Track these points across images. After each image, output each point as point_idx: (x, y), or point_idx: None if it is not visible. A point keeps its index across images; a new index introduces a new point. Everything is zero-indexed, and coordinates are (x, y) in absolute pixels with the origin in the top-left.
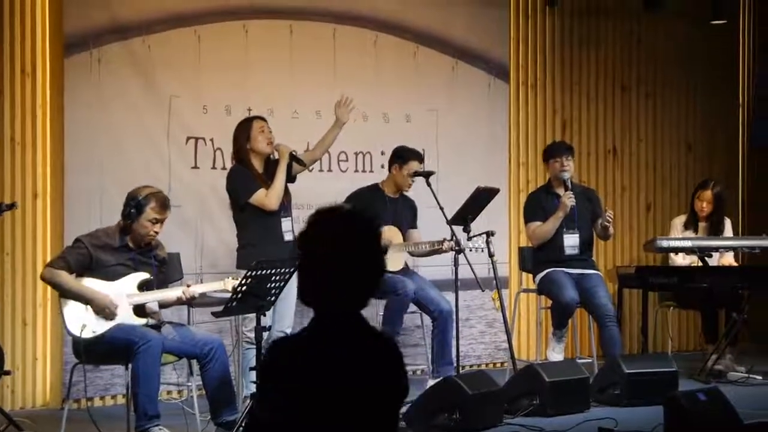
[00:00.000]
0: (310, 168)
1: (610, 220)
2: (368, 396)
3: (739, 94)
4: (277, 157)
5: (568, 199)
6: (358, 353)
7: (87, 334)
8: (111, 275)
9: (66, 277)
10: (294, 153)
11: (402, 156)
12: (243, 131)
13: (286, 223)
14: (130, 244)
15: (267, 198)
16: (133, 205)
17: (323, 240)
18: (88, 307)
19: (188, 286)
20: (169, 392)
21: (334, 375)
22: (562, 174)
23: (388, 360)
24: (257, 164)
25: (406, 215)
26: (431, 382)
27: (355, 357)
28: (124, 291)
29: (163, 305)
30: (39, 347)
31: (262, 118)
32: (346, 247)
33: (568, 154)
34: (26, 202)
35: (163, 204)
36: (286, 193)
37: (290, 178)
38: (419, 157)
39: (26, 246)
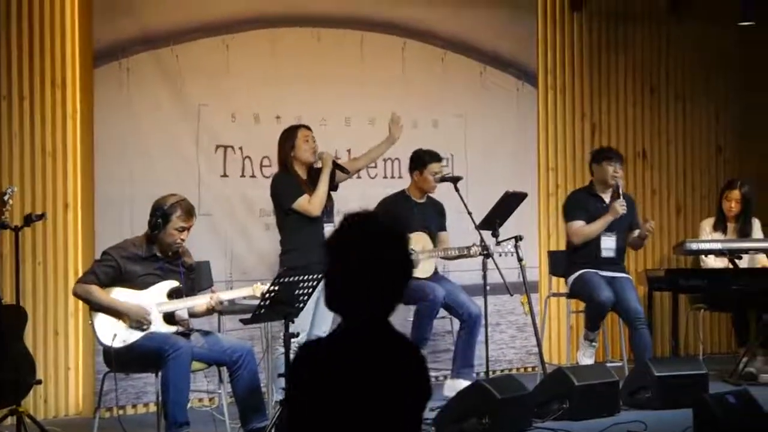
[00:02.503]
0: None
1: (651, 230)
2: (392, 400)
3: None
4: (320, 165)
5: (621, 207)
6: (383, 358)
7: (118, 344)
8: (140, 285)
9: (98, 292)
10: (337, 161)
11: (420, 160)
12: (288, 139)
13: (328, 229)
14: (157, 253)
15: (310, 204)
16: (159, 214)
17: (350, 246)
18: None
19: (213, 292)
20: (200, 399)
21: (359, 379)
22: (615, 179)
23: (412, 364)
24: (301, 171)
25: (434, 218)
26: (449, 383)
27: (380, 362)
28: (153, 300)
29: (193, 315)
30: (71, 356)
31: (308, 127)
32: (374, 253)
33: (622, 162)
34: (57, 212)
35: (189, 211)
36: (329, 199)
37: (333, 186)
38: (437, 158)
39: (57, 256)
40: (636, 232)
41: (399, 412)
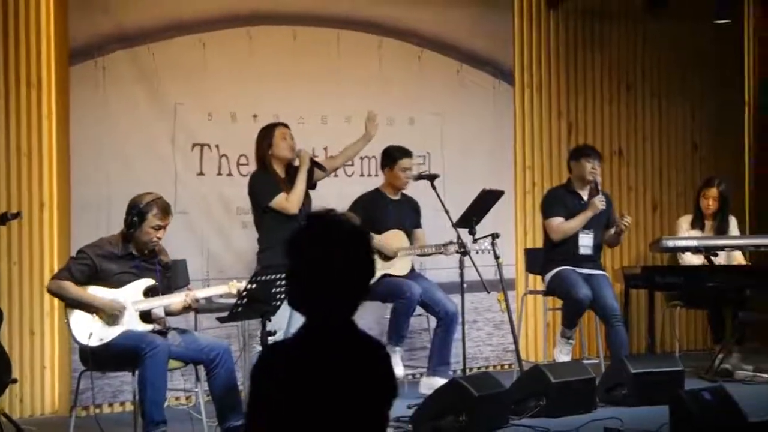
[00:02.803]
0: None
1: (628, 225)
2: (358, 399)
3: (744, 93)
4: (298, 163)
5: (600, 203)
6: (347, 358)
7: (94, 342)
8: (116, 283)
9: (72, 288)
10: (315, 159)
11: (390, 156)
12: (265, 137)
13: None
14: (133, 251)
15: (288, 202)
16: (135, 213)
17: (312, 245)
18: (95, 315)
19: (190, 290)
20: (177, 398)
21: (324, 380)
22: (593, 176)
23: (376, 363)
24: (279, 169)
25: (409, 216)
26: (425, 381)
27: (344, 361)
28: (129, 298)
29: (169, 313)
30: (47, 355)
31: (285, 125)
32: (335, 252)
33: (600, 159)
34: (33, 212)
35: (165, 210)
36: (307, 197)
37: (311, 184)
38: (408, 154)
39: (33, 255)
40: (612, 230)
41: (364, 411)
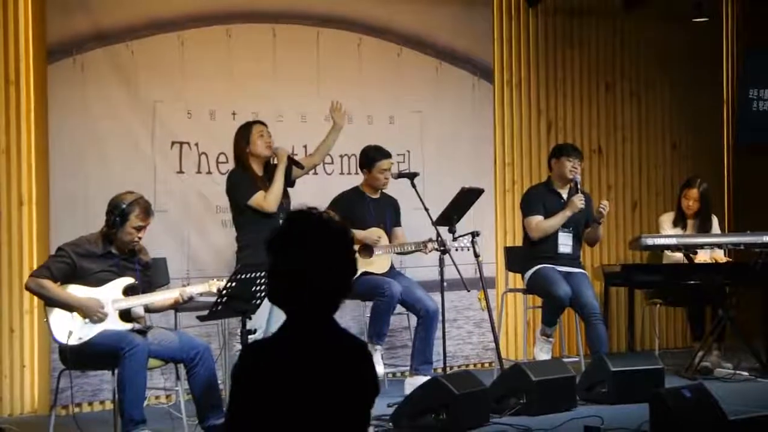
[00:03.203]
0: (309, 172)
1: (605, 209)
2: (340, 398)
3: (723, 91)
4: (276, 161)
5: (579, 201)
6: (329, 356)
7: (73, 341)
8: (95, 282)
9: (51, 287)
10: (292, 156)
11: (368, 157)
12: (243, 135)
13: None
14: (113, 250)
15: (266, 201)
16: (117, 213)
17: (295, 242)
18: (74, 314)
19: (183, 286)
20: (157, 397)
21: (305, 377)
22: (574, 175)
23: (358, 362)
24: (257, 167)
25: (389, 214)
26: (409, 380)
27: (326, 360)
28: (109, 297)
29: (154, 309)
30: (26, 354)
31: (262, 123)
32: (318, 248)
33: (580, 158)
34: (12, 210)
35: (147, 210)
36: (285, 195)
37: (290, 182)
38: (386, 155)
39: (12, 253)
40: (591, 224)
41: (347, 410)
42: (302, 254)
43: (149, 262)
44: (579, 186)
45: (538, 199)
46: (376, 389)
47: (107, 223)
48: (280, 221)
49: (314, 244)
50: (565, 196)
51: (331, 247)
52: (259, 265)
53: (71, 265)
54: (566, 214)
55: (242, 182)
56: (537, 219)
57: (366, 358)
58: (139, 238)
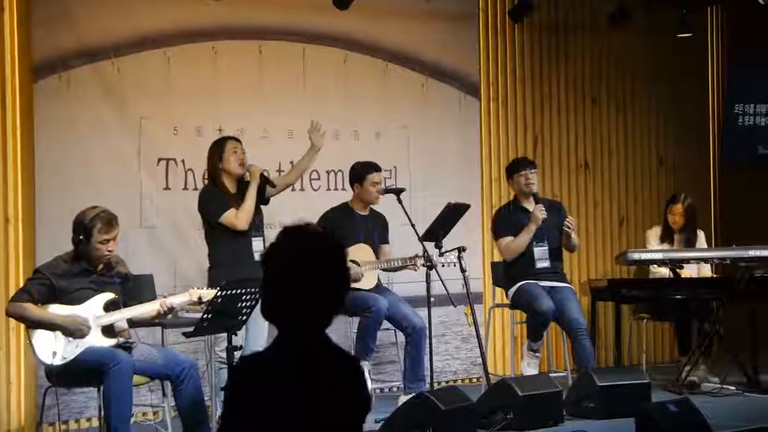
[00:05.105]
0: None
1: (570, 226)
2: (333, 413)
3: (708, 106)
4: (249, 178)
5: (540, 212)
6: (322, 372)
7: (58, 362)
8: (75, 300)
9: (32, 309)
10: (265, 174)
11: (358, 172)
12: (216, 151)
13: (257, 243)
14: (88, 267)
15: (237, 218)
16: (80, 230)
17: (289, 256)
18: (57, 333)
19: (164, 297)
20: (144, 413)
21: (298, 393)
22: (530, 187)
23: (351, 377)
24: (229, 184)
25: (377, 231)
26: (403, 398)
27: (319, 375)
28: (90, 313)
29: (137, 323)
30: (13, 371)
31: (236, 139)
32: (312, 263)
33: (532, 168)
34: None
35: (109, 222)
36: (258, 212)
37: (263, 199)
38: (376, 168)
39: None
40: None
41: (339, 425)
42: (297, 267)
43: (128, 274)
44: (537, 197)
45: (505, 220)
46: (369, 404)
47: (73, 241)
48: (252, 239)
49: (309, 258)
50: (531, 209)
51: (326, 261)
52: (242, 281)
53: (49, 286)
54: (531, 228)
55: (214, 199)
56: (506, 240)
57: (358, 374)
58: (110, 251)
